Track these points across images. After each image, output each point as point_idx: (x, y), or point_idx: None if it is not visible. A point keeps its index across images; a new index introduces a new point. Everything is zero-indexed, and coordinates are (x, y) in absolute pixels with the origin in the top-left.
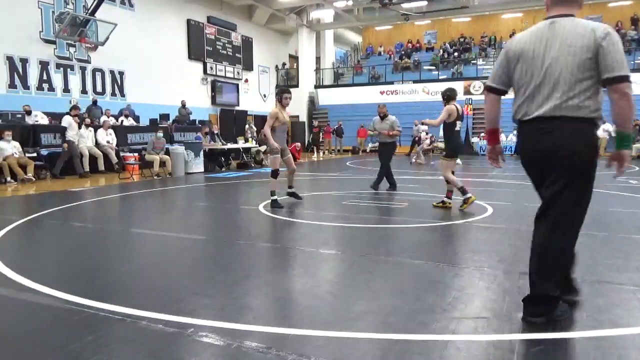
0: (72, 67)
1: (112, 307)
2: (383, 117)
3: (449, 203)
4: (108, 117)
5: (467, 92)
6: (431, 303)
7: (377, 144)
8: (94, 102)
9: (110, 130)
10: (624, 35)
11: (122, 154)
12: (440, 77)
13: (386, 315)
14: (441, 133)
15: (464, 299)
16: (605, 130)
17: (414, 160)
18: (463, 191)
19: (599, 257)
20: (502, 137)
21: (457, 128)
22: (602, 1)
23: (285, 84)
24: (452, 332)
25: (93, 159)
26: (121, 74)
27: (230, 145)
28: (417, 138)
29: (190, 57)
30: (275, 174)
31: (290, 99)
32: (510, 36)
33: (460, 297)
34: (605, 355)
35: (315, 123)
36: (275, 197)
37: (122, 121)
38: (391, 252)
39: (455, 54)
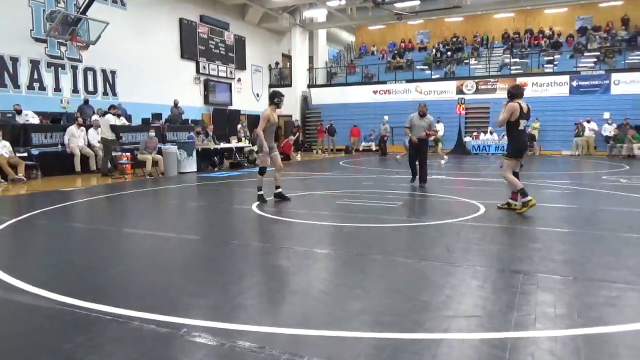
0: (63, 66)
1: (104, 307)
2: (422, 116)
3: (515, 204)
4: (100, 116)
5: (459, 91)
6: (424, 302)
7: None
8: (86, 102)
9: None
10: (615, 35)
11: (114, 153)
12: (433, 77)
13: (380, 314)
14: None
15: (457, 298)
16: (591, 129)
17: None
18: (523, 193)
19: (590, 255)
20: (495, 136)
21: (521, 127)
22: (593, 1)
23: (279, 84)
24: (445, 331)
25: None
26: (113, 73)
27: (223, 145)
28: (385, 137)
29: (182, 57)
30: (262, 171)
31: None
32: (503, 36)
33: (453, 295)
34: (596, 352)
35: (296, 123)
36: (261, 193)
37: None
38: (385, 251)
39: (448, 53)
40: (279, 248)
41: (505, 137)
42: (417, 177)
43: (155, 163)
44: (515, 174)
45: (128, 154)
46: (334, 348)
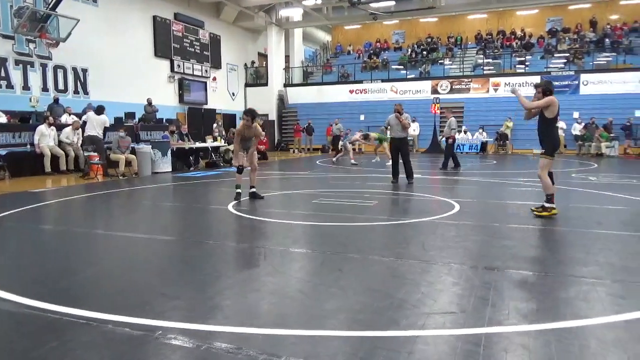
0: (32, 64)
1: (76, 311)
2: (401, 114)
3: (553, 210)
4: (70, 114)
5: (434, 91)
6: (400, 299)
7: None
8: (56, 100)
9: (79, 130)
10: (583, 37)
11: (86, 153)
12: (409, 77)
13: (356, 313)
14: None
15: (433, 295)
16: (561, 128)
17: (334, 159)
18: (549, 199)
19: (560, 251)
20: (468, 135)
21: (557, 124)
22: (563, 4)
23: (255, 83)
24: (421, 328)
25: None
26: (84, 71)
27: (198, 144)
28: (341, 137)
29: (156, 55)
30: (238, 169)
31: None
32: (476, 36)
33: (429, 293)
34: (566, 346)
35: (261, 122)
36: (238, 191)
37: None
38: (361, 250)
39: (423, 53)
40: (255, 248)
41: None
42: (399, 176)
43: (128, 163)
44: (550, 175)
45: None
46: (311, 347)
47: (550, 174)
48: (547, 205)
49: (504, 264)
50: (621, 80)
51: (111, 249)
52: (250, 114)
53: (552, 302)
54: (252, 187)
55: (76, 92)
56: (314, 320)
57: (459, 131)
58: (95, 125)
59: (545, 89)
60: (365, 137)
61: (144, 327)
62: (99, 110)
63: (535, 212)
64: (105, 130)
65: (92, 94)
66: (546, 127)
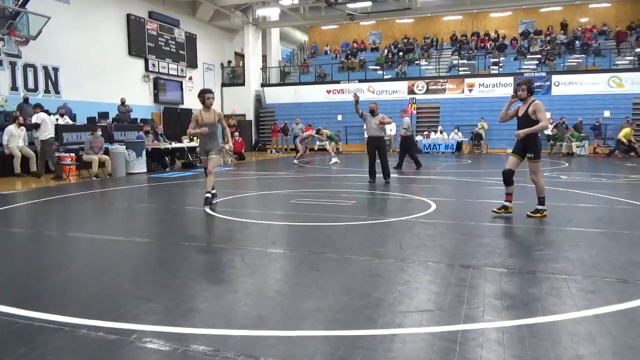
0: (0, 62)
1: (47, 316)
2: (373, 113)
3: (544, 212)
4: (62, 115)
5: (411, 91)
6: (378, 298)
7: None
8: (25, 100)
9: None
10: (554, 39)
11: (57, 154)
12: (385, 77)
13: (334, 312)
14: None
15: (410, 293)
16: None
17: (296, 161)
18: (542, 201)
19: (533, 248)
20: (444, 135)
21: None
22: (534, 6)
23: (231, 82)
24: (399, 326)
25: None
26: (55, 70)
27: (174, 145)
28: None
29: (130, 54)
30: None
31: (213, 99)
32: (451, 38)
33: (406, 291)
34: (539, 341)
35: (233, 122)
36: (208, 195)
37: (57, 119)
38: (339, 250)
39: (400, 54)
40: (232, 249)
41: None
42: (376, 176)
43: (102, 164)
44: (511, 174)
45: (72, 154)
46: (289, 348)
47: (512, 173)
48: (539, 207)
49: (479, 262)
50: (591, 81)
51: (84, 252)
52: (200, 94)
53: (525, 299)
54: (208, 191)
55: (47, 91)
56: (292, 321)
57: (435, 131)
58: (50, 126)
59: (529, 87)
60: (317, 131)
61: (119, 331)
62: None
63: (528, 213)
64: (61, 130)
65: (64, 93)
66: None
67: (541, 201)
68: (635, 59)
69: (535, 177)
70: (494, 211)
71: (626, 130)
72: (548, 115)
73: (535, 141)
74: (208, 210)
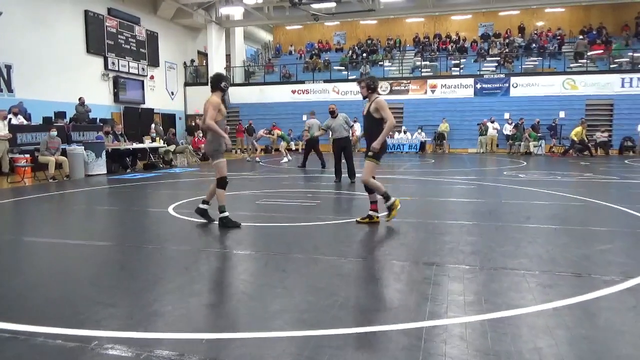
0: None
1: (1, 324)
2: (333, 115)
3: (377, 217)
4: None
5: None
6: (344, 297)
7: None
8: None
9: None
10: (513, 42)
11: (11, 155)
12: (350, 77)
13: (301, 312)
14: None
15: (375, 292)
16: (494, 129)
17: (251, 159)
18: (387, 196)
19: (494, 245)
20: (408, 135)
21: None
22: (493, 10)
23: (194, 82)
24: (365, 324)
25: None
26: (8, 67)
27: (136, 145)
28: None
29: (89, 51)
30: (224, 182)
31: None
32: (414, 39)
33: (372, 290)
34: (500, 335)
35: (199, 121)
36: (226, 214)
37: (10, 119)
38: (304, 250)
39: (364, 55)
40: (197, 250)
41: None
42: (341, 175)
43: (59, 165)
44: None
45: (27, 155)
46: (256, 349)
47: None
48: (387, 204)
49: (442, 259)
50: (547, 83)
51: (40, 257)
52: (217, 81)
53: (487, 294)
54: (205, 202)
55: None
56: (259, 322)
57: (398, 131)
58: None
59: (369, 85)
60: (269, 132)
61: (79, 338)
62: None
63: (387, 220)
64: (15, 130)
65: (18, 92)
66: (377, 130)
67: (386, 197)
68: (588, 61)
69: (366, 178)
70: (357, 221)
71: (577, 129)
72: (507, 115)
73: (375, 137)
74: (171, 212)
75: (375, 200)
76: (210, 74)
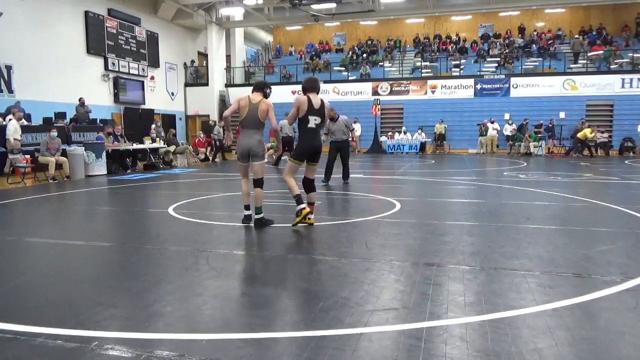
0: None
1: (1, 325)
2: (333, 120)
3: (310, 218)
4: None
5: (375, 92)
6: (344, 298)
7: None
8: None
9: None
10: (513, 43)
11: (11, 155)
12: (350, 78)
13: (301, 313)
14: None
15: (375, 292)
16: (494, 129)
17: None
18: (299, 200)
19: (494, 245)
20: (408, 136)
21: (311, 125)
22: (493, 11)
23: (195, 82)
24: (365, 325)
25: None
26: (8, 68)
27: (136, 146)
28: (223, 140)
29: (89, 52)
30: (262, 182)
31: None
32: (414, 40)
33: (372, 290)
34: (501, 335)
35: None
36: (262, 214)
37: (9, 120)
38: (305, 250)
39: (364, 55)
40: (197, 251)
41: (418, 135)
42: (331, 177)
43: (59, 166)
44: (310, 182)
45: (27, 156)
46: (256, 350)
47: (310, 180)
48: (298, 207)
49: (442, 260)
50: (547, 83)
51: (40, 258)
52: (261, 88)
53: (487, 294)
54: (250, 207)
55: None
56: (258, 323)
57: (399, 132)
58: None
59: (303, 87)
60: (268, 149)
61: (79, 339)
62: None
63: (293, 224)
64: (33, 130)
65: (18, 92)
66: (298, 127)
67: (298, 200)
68: (589, 62)
69: (285, 176)
70: (294, 225)
71: (586, 130)
72: (507, 116)
73: (300, 139)
74: (172, 212)
75: (313, 202)
76: (211, 74)
